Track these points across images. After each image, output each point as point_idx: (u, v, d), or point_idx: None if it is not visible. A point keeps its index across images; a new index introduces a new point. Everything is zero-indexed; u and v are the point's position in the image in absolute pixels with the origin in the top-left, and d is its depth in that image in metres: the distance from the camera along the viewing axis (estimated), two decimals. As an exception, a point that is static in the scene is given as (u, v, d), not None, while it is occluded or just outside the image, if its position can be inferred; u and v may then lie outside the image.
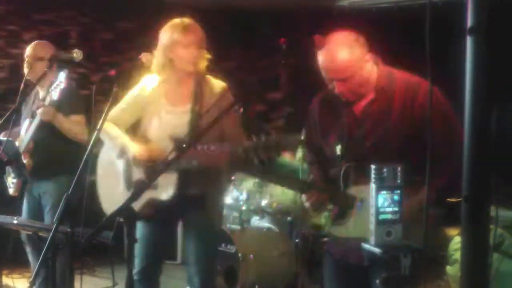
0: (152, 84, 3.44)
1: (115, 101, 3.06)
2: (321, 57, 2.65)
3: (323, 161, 2.88)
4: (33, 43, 4.48)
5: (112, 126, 3.41)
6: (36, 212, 4.34)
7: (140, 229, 3.36)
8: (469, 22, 1.44)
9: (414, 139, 2.54)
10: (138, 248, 3.23)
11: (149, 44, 3.41)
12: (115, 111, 3.40)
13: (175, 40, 3.29)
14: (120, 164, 3.46)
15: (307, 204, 2.75)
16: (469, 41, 1.44)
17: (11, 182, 4.36)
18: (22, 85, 4.14)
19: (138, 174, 3.37)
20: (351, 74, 2.62)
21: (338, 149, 2.74)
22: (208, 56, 3.39)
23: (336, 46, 2.62)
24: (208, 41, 3.38)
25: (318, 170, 2.94)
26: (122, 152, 3.40)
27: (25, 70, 4.31)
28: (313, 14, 6.28)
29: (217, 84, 3.41)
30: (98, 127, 2.82)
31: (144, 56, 3.24)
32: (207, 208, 3.42)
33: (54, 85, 3.81)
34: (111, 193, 3.48)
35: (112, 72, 2.91)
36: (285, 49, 4.84)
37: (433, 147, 2.20)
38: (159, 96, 3.41)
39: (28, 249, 4.51)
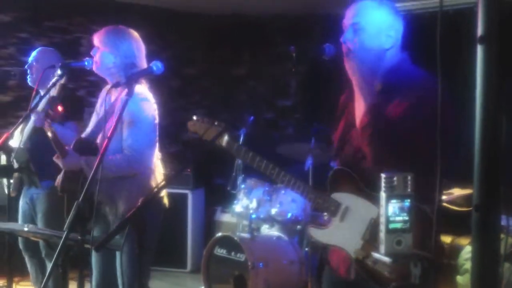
0: (103, 93, 3.57)
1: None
2: None
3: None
4: (41, 50, 4.49)
5: None
6: (31, 218, 4.36)
7: None
8: (480, 31, 1.43)
9: (404, 146, 2.30)
10: None
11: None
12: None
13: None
14: None
15: None
16: (479, 49, 1.43)
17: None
18: (33, 92, 4.17)
19: None
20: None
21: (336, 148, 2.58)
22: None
23: None
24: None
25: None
26: None
27: (33, 77, 4.35)
28: (323, 21, 6.29)
29: (139, 95, 3.32)
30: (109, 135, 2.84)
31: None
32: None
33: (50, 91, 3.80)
34: None
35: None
36: (295, 56, 4.82)
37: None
38: (101, 104, 3.52)
39: (26, 257, 4.51)
